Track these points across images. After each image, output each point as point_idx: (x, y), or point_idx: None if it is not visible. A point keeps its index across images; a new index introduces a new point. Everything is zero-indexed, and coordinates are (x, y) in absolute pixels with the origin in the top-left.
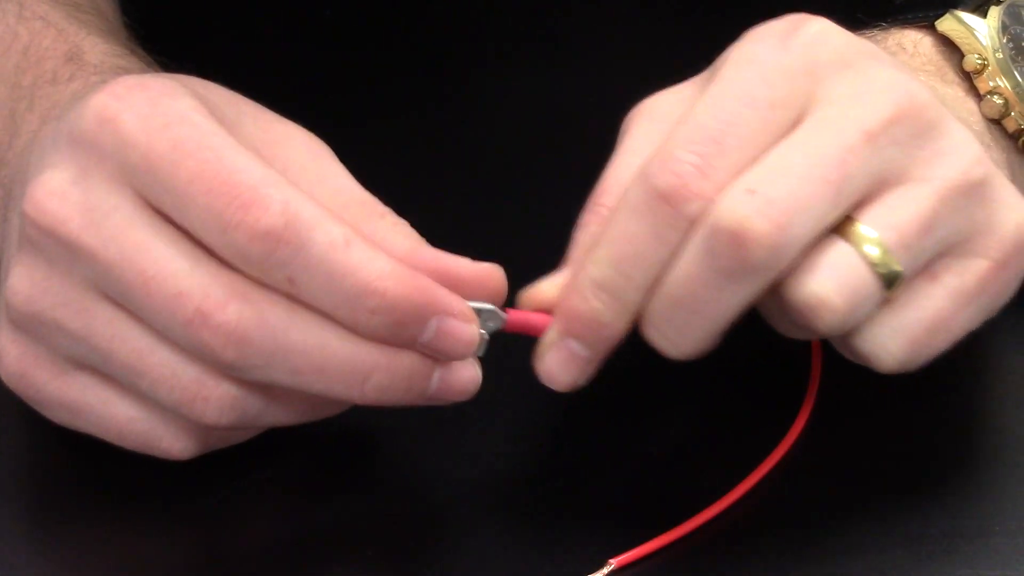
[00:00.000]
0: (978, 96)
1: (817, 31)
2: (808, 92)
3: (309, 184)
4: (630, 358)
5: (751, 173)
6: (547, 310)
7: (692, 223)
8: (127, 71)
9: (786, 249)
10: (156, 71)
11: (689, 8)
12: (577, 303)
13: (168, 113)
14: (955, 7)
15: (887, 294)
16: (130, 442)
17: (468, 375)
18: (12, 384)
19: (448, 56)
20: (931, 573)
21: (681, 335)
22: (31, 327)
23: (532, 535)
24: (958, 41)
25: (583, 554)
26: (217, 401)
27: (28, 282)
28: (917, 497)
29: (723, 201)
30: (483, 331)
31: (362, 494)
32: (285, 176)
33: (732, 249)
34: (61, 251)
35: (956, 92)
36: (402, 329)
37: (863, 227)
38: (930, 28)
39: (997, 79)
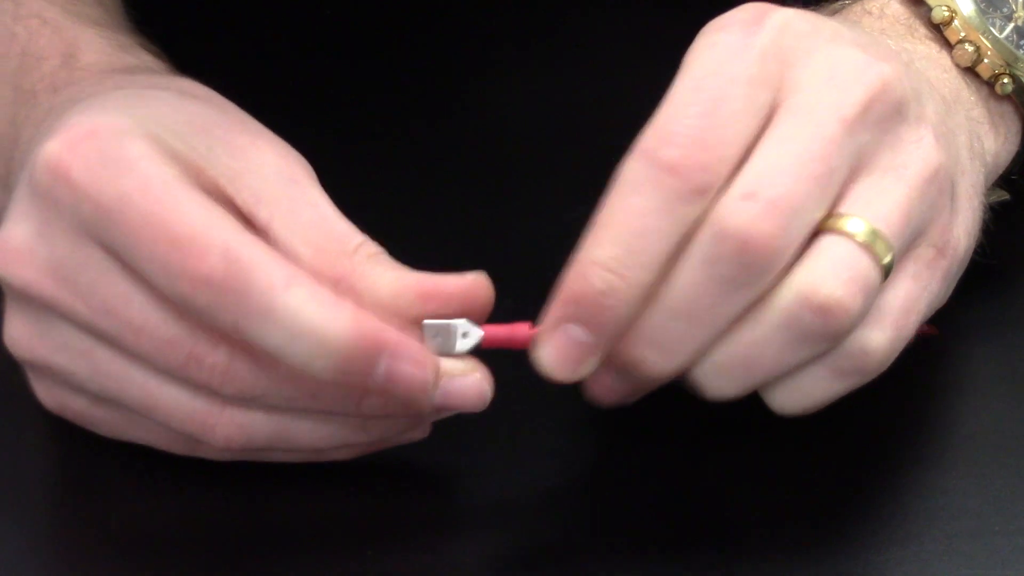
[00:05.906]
0: (949, 47)
1: (780, 19)
2: (780, 76)
3: (281, 217)
4: None
5: (743, 176)
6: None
7: (701, 194)
8: (125, 71)
9: (786, 251)
10: (158, 61)
11: (691, 8)
12: (579, 285)
13: (117, 162)
14: None
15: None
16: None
17: (472, 388)
18: (59, 414)
19: (448, 56)
20: (931, 573)
21: (676, 348)
22: (44, 371)
23: (532, 535)
24: None
25: (584, 555)
26: (223, 428)
27: (23, 330)
28: (917, 497)
29: (723, 208)
30: (461, 348)
31: (360, 493)
32: (257, 208)
33: (738, 255)
34: (43, 305)
35: (928, 48)
36: (348, 370)
37: (852, 220)
38: None
39: (966, 28)
